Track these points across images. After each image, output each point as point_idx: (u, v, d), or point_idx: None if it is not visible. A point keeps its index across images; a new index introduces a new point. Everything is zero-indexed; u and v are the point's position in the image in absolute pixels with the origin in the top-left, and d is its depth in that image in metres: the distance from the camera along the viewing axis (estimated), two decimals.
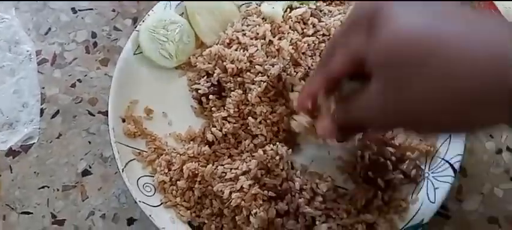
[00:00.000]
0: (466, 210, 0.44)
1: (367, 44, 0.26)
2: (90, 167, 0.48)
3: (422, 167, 0.44)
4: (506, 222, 0.44)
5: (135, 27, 0.49)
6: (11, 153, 0.48)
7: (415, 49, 0.23)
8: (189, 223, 0.42)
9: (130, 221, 0.45)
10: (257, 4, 0.50)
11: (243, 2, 0.51)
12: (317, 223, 0.40)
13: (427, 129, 0.28)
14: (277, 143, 0.42)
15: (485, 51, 0.22)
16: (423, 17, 0.24)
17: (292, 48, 0.45)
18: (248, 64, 0.45)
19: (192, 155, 0.44)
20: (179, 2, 0.49)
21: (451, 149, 0.43)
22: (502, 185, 0.45)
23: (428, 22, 0.24)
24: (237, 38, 0.47)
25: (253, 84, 0.44)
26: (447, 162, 0.42)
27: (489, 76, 0.22)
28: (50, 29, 0.54)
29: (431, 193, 0.42)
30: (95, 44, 0.53)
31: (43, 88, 0.51)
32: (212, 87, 0.46)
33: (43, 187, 0.47)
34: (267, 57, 0.45)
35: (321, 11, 0.48)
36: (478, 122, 0.24)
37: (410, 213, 0.41)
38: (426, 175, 0.43)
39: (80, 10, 0.55)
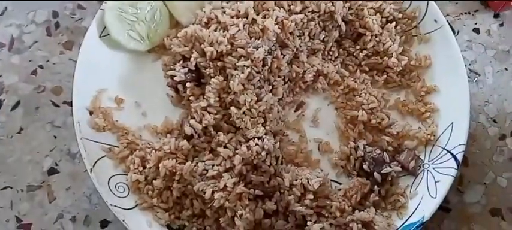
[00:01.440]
0: (468, 202, 0.42)
1: None
2: (56, 164, 0.43)
3: (422, 157, 0.40)
4: (511, 214, 0.41)
5: (101, 6, 0.43)
6: None
7: None
8: (168, 226, 0.39)
9: (104, 223, 0.42)
10: None
11: None
12: (308, 223, 0.37)
13: None
14: (264, 135, 0.38)
15: None
16: None
17: (278, 28, 0.40)
18: (229, 47, 0.40)
19: (169, 151, 0.39)
20: None
21: (454, 138, 0.40)
22: (506, 174, 0.42)
23: None
24: (216, 16, 0.42)
25: (235, 69, 0.40)
26: (449, 152, 0.39)
27: None
28: (6, 8, 0.49)
29: (432, 186, 0.38)
30: (57, 25, 0.48)
31: (0, 76, 0.46)
32: (189, 73, 0.41)
33: (5, 188, 0.43)
34: (250, 38, 0.40)
35: None
36: None
37: (410, 209, 0.38)
38: (426, 166, 0.40)
39: None
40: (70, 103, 0.43)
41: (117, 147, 0.41)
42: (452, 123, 0.40)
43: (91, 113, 0.41)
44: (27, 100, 0.45)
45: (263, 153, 0.37)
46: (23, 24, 0.48)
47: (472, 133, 0.43)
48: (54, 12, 0.48)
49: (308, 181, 0.38)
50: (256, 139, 0.38)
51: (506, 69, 0.46)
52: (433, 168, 0.39)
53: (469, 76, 0.45)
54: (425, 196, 0.38)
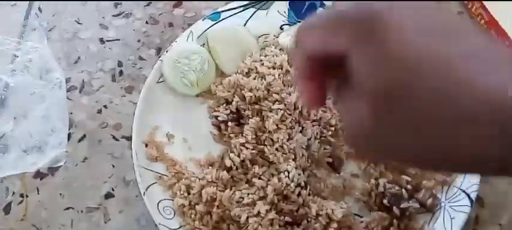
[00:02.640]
0: None
1: (355, 50, 0.21)
2: (113, 190, 0.49)
3: (439, 196, 0.44)
4: None
5: (159, 57, 0.51)
6: (39, 174, 0.51)
7: (418, 71, 0.20)
8: None
9: None
10: (275, 35, 0.52)
11: (262, 33, 0.53)
12: None
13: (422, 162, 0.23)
14: (294, 169, 0.43)
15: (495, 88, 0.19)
16: (430, 35, 0.20)
17: None
18: (266, 92, 0.47)
19: (210, 180, 0.45)
20: (201, 33, 0.52)
21: (468, 178, 0.43)
22: None
23: (435, 44, 0.20)
24: (256, 67, 0.48)
25: (270, 111, 0.46)
26: (463, 191, 0.43)
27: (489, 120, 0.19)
28: (79, 58, 0.58)
29: (447, 223, 0.42)
30: (121, 73, 0.56)
31: (71, 113, 0.54)
32: (231, 114, 0.48)
33: (68, 209, 0.49)
34: (284, 86, 0.47)
35: None
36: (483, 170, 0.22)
37: None
38: (443, 204, 0.43)
39: (107, 40, 0.58)
40: (128, 138, 0.51)
41: (167, 175, 0.47)
42: None
43: (146, 145, 0.48)
44: (92, 134, 0.53)
45: (292, 185, 0.42)
46: (92, 71, 0.57)
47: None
48: (119, 62, 0.57)
49: (333, 212, 0.42)
50: (286, 172, 0.43)
51: None
52: (449, 206, 0.43)
53: None
54: None
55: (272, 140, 0.45)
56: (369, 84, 0.21)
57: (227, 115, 0.48)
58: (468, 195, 0.42)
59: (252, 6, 0.54)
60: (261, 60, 0.50)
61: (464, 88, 0.19)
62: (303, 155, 0.45)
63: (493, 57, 0.20)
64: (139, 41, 0.58)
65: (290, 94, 0.46)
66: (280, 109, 0.45)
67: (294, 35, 0.25)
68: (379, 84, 0.20)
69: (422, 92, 0.20)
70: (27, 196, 0.50)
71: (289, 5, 0.54)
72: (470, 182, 0.43)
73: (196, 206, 0.44)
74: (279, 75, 0.47)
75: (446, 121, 0.19)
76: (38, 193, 0.50)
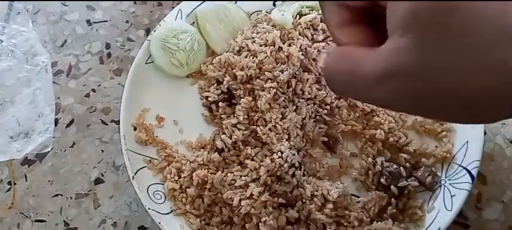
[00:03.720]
0: (486, 219, 0.43)
1: None
2: (102, 175, 0.48)
3: (439, 174, 0.42)
4: None
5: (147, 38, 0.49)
6: (26, 161, 0.49)
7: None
8: None
9: (141, 229, 0.45)
10: (267, 12, 0.50)
11: (254, 10, 0.51)
12: None
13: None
14: (287, 150, 0.42)
15: None
16: None
17: (302, 54, 0.45)
18: (258, 71, 0.45)
19: (201, 162, 0.43)
20: (190, 11, 0.50)
21: (468, 155, 0.41)
22: None
23: None
24: (247, 45, 0.47)
25: (262, 90, 0.44)
26: (464, 168, 0.41)
27: None
28: (65, 41, 0.56)
29: (448, 200, 0.40)
30: (109, 55, 0.54)
31: (58, 98, 0.52)
32: (222, 95, 0.46)
33: (57, 195, 0.48)
34: (277, 63, 0.45)
35: None
36: None
37: (427, 221, 0.40)
38: (443, 182, 0.42)
39: (94, 22, 0.56)
40: (117, 122, 0.49)
41: (156, 159, 0.45)
42: (467, 141, 0.42)
43: (135, 129, 0.46)
44: (80, 119, 0.51)
45: (285, 165, 0.41)
46: (80, 54, 0.55)
47: (490, 153, 0.45)
48: (107, 44, 0.55)
49: (328, 192, 0.41)
50: (279, 152, 0.42)
51: None
52: (450, 184, 0.41)
53: None
54: (441, 209, 0.40)
55: (265, 120, 0.44)
56: (414, 11, 0.19)
57: (218, 95, 0.46)
58: (469, 172, 0.40)
59: None
60: (252, 38, 0.47)
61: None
62: (297, 135, 0.44)
63: None
64: (127, 21, 0.56)
65: (282, 72, 0.44)
66: (273, 88, 0.43)
67: None
68: (424, 9, 0.19)
69: (468, 16, 0.18)
70: (15, 184, 0.48)
71: None
72: (471, 158, 0.41)
73: (188, 189, 0.43)
74: (271, 52, 0.45)
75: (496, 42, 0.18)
76: (26, 180, 0.48)
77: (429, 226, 0.40)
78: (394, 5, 0.20)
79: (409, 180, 0.41)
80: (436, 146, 0.44)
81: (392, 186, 0.41)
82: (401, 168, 0.41)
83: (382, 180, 0.41)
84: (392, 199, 0.41)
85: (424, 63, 0.19)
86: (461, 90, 0.19)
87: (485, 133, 0.42)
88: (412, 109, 0.22)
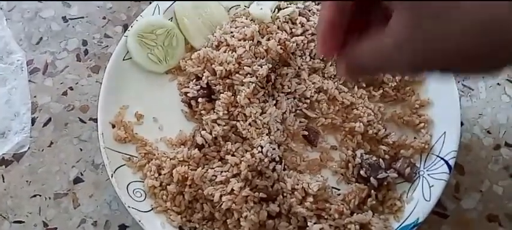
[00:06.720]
0: (465, 208, 0.43)
1: None
2: (81, 174, 0.47)
3: (417, 165, 0.43)
4: (508, 220, 0.42)
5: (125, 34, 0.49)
6: (3, 162, 0.48)
7: None
8: (180, 228, 0.42)
9: (122, 228, 0.45)
10: (245, 6, 0.49)
11: (233, 5, 0.50)
12: (309, 224, 0.39)
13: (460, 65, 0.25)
14: (267, 144, 0.41)
15: None
16: None
17: (281, 48, 0.44)
18: (237, 65, 0.44)
19: (182, 159, 0.43)
20: (168, 7, 0.49)
21: (446, 145, 0.42)
22: (502, 182, 0.44)
23: None
24: (226, 40, 0.46)
25: (242, 85, 0.44)
26: (442, 159, 0.41)
27: None
28: (41, 38, 0.55)
29: (426, 191, 0.41)
30: (86, 52, 0.53)
31: (35, 97, 0.51)
32: (201, 90, 0.46)
33: (35, 196, 0.47)
34: (256, 58, 0.45)
35: (309, 10, 0.47)
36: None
37: (406, 212, 0.40)
38: (421, 173, 0.42)
39: (70, 19, 0.55)
40: (96, 120, 0.48)
41: (136, 156, 0.45)
42: (444, 132, 0.43)
43: (114, 126, 0.45)
44: (58, 117, 0.50)
45: (266, 160, 0.41)
46: (56, 51, 0.54)
47: (468, 143, 0.45)
48: (84, 41, 0.54)
49: (308, 185, 0.41)
50: (259, 147, 0.42)
51: (498, 84, 0.48)
52: (428, 174, 0.42)
53: (462, 91, 0.48)
54: (420, 200, 0.40)
55: (245, 115, 0.43)
56: None
57: (197, 91, 0.46)
58: (446, 162, 0.41)
59: None
60: (231, 32, 0.47)
61: None
62: (277, 129, 0.44)
63: None
64: (104, 17, 0.55)
65: (261, 66, 0.43)
66: (252, 83, 0.43)
67: None
68: None
69: None
70: None
71: None
72: (448, 149, 0.41)
73: (168, 186, 0.42)
74: (250, 46, 0.45)
75: None
76: (3, 181, 0.47)
77: (408, 216, 0.40)
78: None
79: (388, 172, 0.42)
80: (414, 137, 0.44)
81: (371, 178, 0.41)
82: (380, 159, 0.42)
83: (362, 172, 0.42)
84: (372, 191, 0.41)
85: (424, 34, 0.24)
86: (458, 48, 0.23)
87: (462, 124, 0.43)
88: (432, 62, 0.25)
